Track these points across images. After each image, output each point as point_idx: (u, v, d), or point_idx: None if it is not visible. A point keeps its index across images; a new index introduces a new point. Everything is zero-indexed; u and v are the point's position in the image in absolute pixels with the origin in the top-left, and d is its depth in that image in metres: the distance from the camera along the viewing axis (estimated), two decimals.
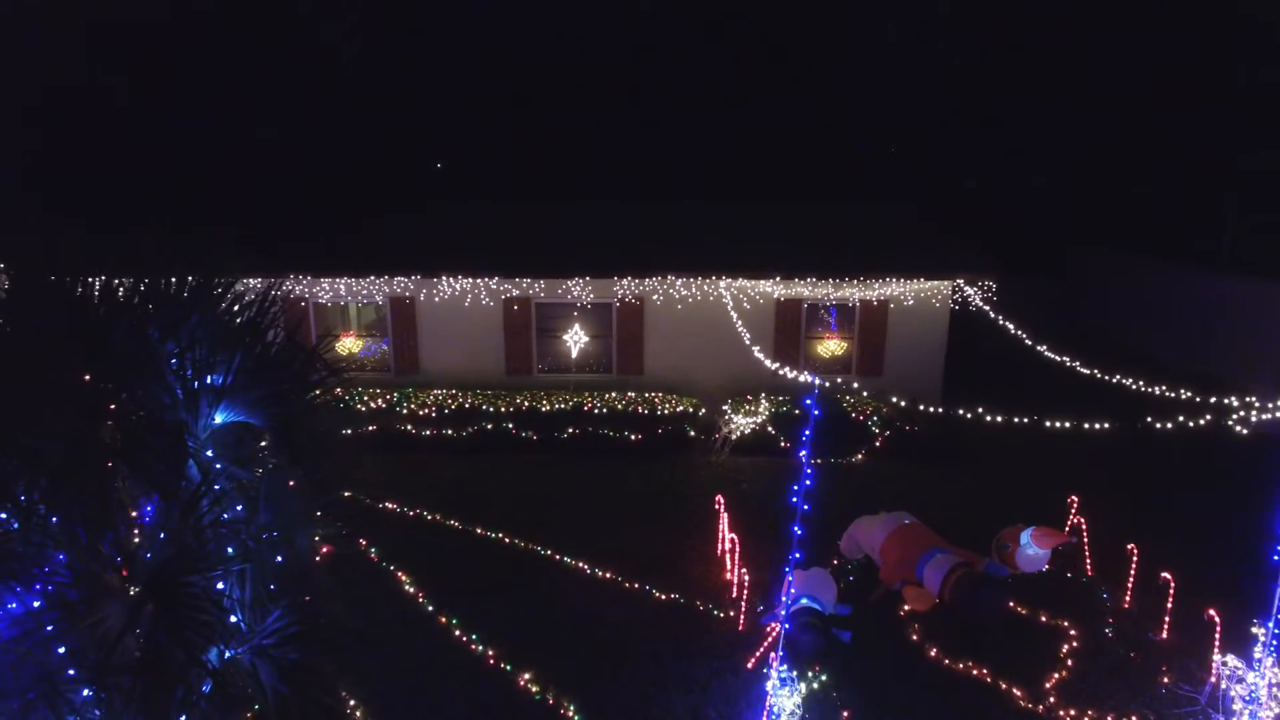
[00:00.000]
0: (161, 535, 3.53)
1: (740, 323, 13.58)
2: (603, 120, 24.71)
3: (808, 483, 5.29)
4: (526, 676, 7.09)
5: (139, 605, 3.27)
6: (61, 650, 3.23)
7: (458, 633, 7.74)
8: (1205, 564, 9.05)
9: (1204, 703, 6.78)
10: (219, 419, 3.82)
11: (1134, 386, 10.67)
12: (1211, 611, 7.14)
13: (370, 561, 8.82)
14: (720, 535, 9.36)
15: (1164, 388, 10.12)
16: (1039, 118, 25.38)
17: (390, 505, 10.60)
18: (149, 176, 19.33)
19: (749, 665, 7.30)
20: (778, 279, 14.31)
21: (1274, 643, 6.04)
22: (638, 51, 25.47)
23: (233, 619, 3.70)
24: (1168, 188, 23.78)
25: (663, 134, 24.50)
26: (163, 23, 21.62)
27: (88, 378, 3.35)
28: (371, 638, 6.60)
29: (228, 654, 3.64)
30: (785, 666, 6.29)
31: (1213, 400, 9.54)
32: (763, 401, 13.27)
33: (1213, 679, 6.83)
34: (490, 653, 7.43)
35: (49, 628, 3.24)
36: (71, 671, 3.23)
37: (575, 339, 14.76)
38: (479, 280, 14.37)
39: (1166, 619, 7.92)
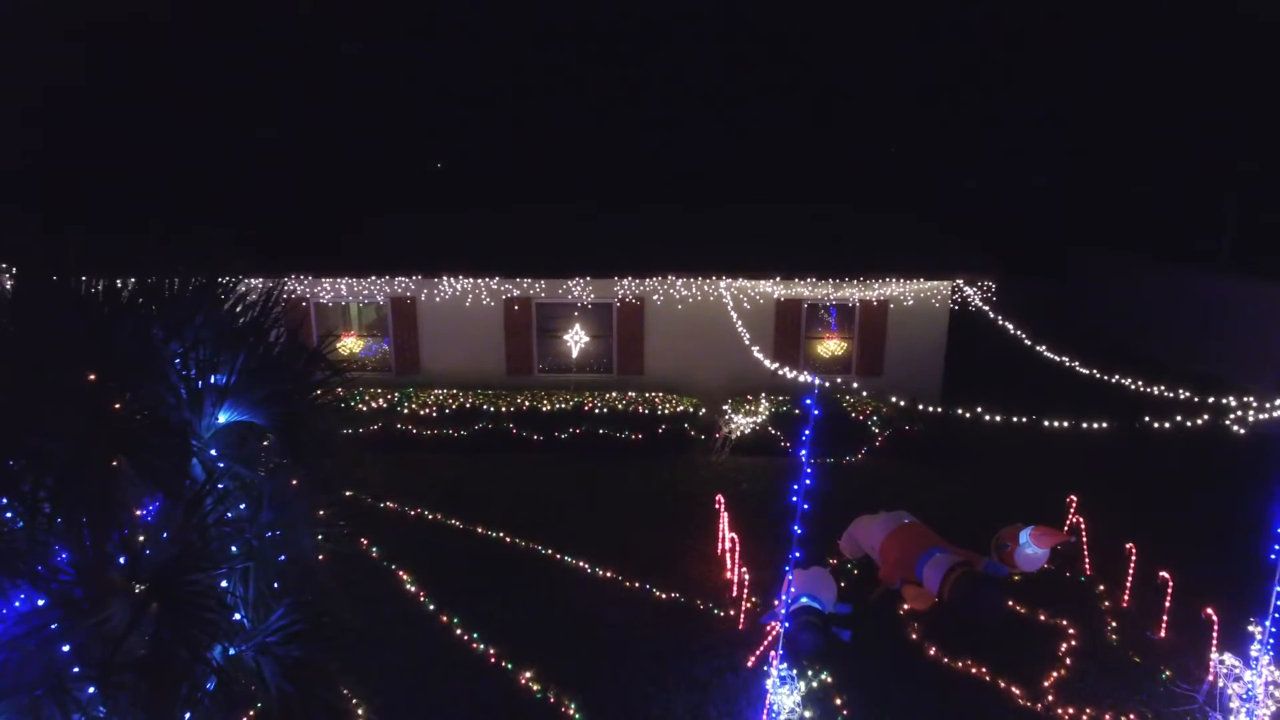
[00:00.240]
0: (165, 534, 3.56)
1: (740, 323, 13.60)
2: (603, 120, 24.74)
3: (808, 482, 5.32)
4: (527, 675, 7.12)
5: (144, 603, 3.30)
6: (66, 648, 3.25)
7: (459, 632, 7.77)
8: (1203, 563, 9.07)
9: (1201, 701, 6.80)
10: (223, 418, 3.85)
11: (1133, 386, 10.69)
12: (1209, 610, 7.17)
13: (372, 561, 8.85)
14: (720, 535, 9.38)
15: (1162, 388, 10.15)
16: (1039, 118, 25.41)
17: (391, 505, 10.63)
18: (149, 177, 19.34)
19: (749, 664, 7.33)
20: (778, 279, 14.34)
21: (1271, 641, 6.06)
22: (638, 51, 25.49)
23: (236, 617, 3.73)
24: (1168, 188, 23.80)
25: (663, 134, 24.53)
26: (163, 23, 21.66)
27: (92, 377, 3.38)
28: (373, 636, 6.63)
29: (232, 652, 3.66)
30: (785, 665, 6.32)
31: (1211, 400, 9.57)
32: (763, 401, 13.29)
33: (1210, 677, 6.86)
34: (491, 651, 7.46)
35: (53, 626, 3.26)
36: (76, 669, 3.26)
37: (576, 339, 14.78)
38: (480, 280, 14.40)
39: (1165, 618, 7.96)
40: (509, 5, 25.07)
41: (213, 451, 3.78)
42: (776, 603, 7.14)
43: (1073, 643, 7.83)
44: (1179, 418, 9.61)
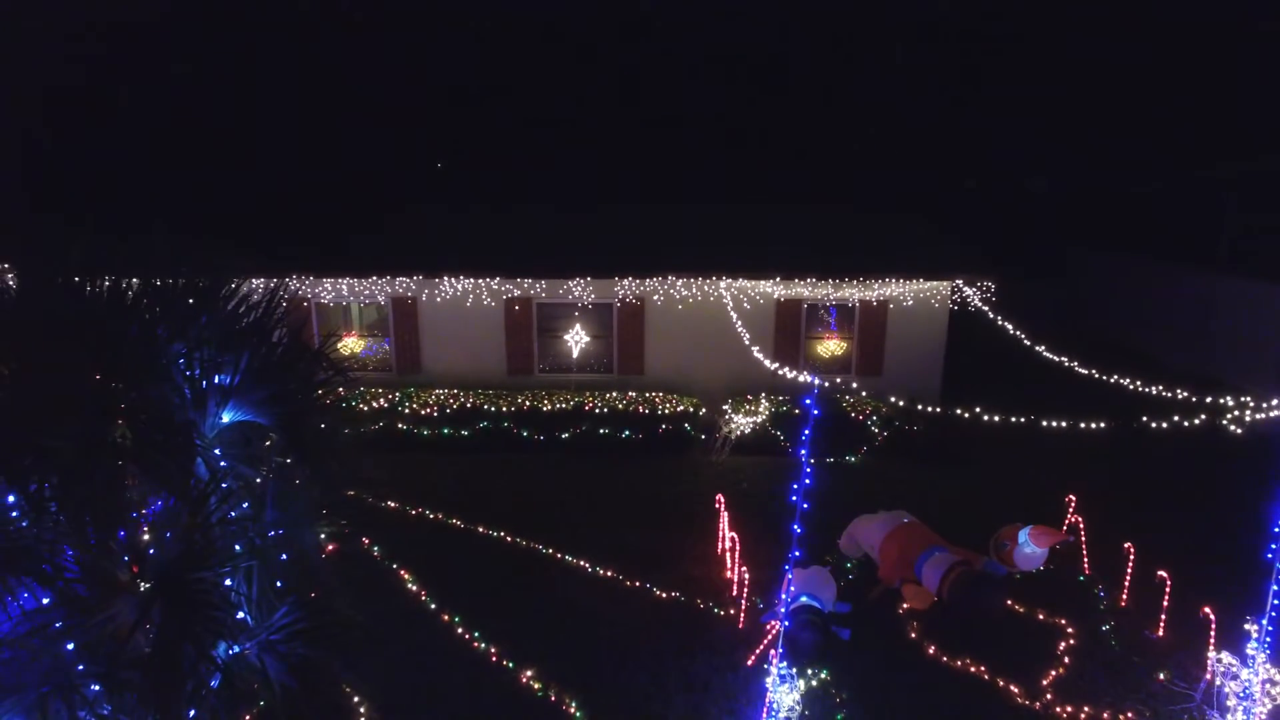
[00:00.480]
0: (170, 533, 3.59)
1: (740, 323, 13.64)
2: (603, 120, 24.76)
3: (807, 482, 5.34)
4: (528, 674, 7.15)
5: (149, 601, 3.33)
6: (71, 646, 3.29)
7: (460, 630, 7.80)
8: (1202, 562, 9.10)
9: (1199, 699, 6.84)
10: (227, 418, 3.89)
11: (1131, 386, 10.73)
12: (1207, 609, 7.20)
13: (373, 560, 8.89)
14: (720, 534, 9.41)
15: (1160, 388, 10.18)
16: (1039, 118, 25.42)
17: (392, 504, 10.67)
18: (149, 177, 19.37)
19: (749, 662, 7.36)
20: (778, 279, 14.37)
21: (1267, 639, 6.09)
22: (637, 50, 25.52)
23: (240, 615, 3.77)
24: (1168, 188, 23.81)
25: (662, 134, 24.54)
26: (163, 23, 21.68)
27: (98, 378, 3.42)
28: (375, 635, 6.66)
29: (236, 649, 3.70)
30: (785, 664, 6.35)
31: (1208, 400, 9.61)
32: (763, 401, 13.33)
33: (1208, 676, 6.89)
34: (492, 650, 7.49)
35: (58, 624, 3.30)
36: (81, 667, 3.29)
37: (576, 339, 14.82)
38: (480, 280, 14.44)
39: (1163, 617, 7.99)
40: (510, 4, 25.10)
41: (216, 451, 3.82)
42: (776, 602, 7.18)
43: (1071, 641, 7.85)
44: (1176, 418, 9.65)
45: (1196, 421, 9.58)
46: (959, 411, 10.96)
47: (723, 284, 14.44)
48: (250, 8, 23.28)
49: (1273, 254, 18.47)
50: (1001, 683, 7.19)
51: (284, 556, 4.03)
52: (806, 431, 5.29)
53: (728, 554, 8.94)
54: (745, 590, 8.17)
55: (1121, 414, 9.89)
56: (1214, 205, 21.09)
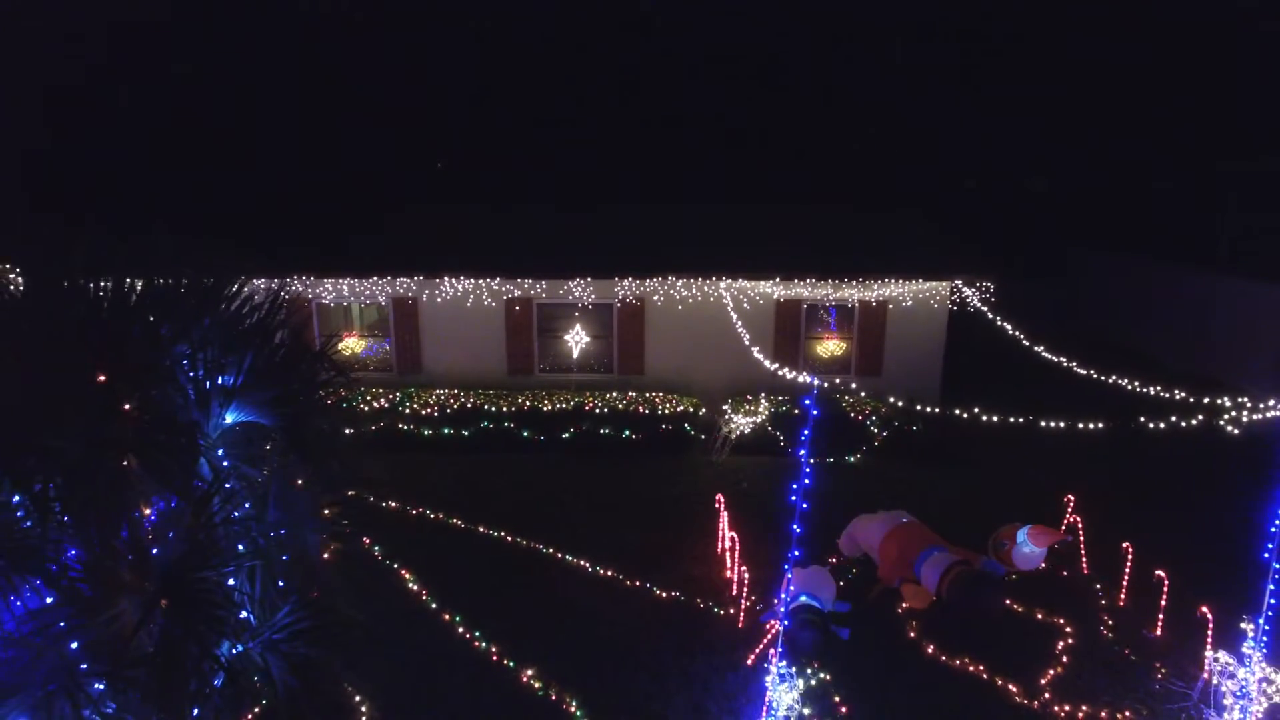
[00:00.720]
0: (173, 533, 3.62)
1: (740, 323, 13.66)
2: (603, 121, 24.78)
3: (807, 482, 5.37)
4: (529, 673, 7.18)
5: (153, 601, 3.36)
6: (75, 645, 3.31)
7: (460, 630, 7.83)
8: (1199, 562, 9.12)
9: (1196, 698, 6.86)
10: (229, 419, 3.91)
11: (1129, 387, 10.75)
12: (1204, 609, 7.22)
13: (374, 559, 8.92)
14: (720, 534, 9.44)
15: (1159, 388, 10.21)
16: (1039, 118, 25.43)
17: (393, 504, 10.69)
18: (149, 177, 19.39)
19: (749, 662, 7.38)
20: (777, 280, 14.39)
21: (1264, 639, 6.12)
22: (637, 51, 25.53)
23: (244, 614, 3.80)
24: (1167, 188, 23.84)
25: (662, 134, 24.56)
26: (163, 22, 21.70)
27: (102, 379, 3.44)
28: (376, 634, 6.69)
29: (239, 648, 3.73)
30: (784, 663, 6.38)
31: (1206, 400, 9.63)
32: (762, 401, 13.35)
33: (1205, 675, 6.92)
34: (493, 649, 7.52)
35: (63, 623, 3.32)
36: (85, 666, 3.32)
37: (576, 339, 14.84)
38: (481, 281, 14.46)
39: (1160, 616, 8.01)
40: (510, 4, 25.12)
41: (220, 451, 3.84)
42: (776, 601, 7.21)
43: (1069, 641, 7.88)
44: (1174, 418, 9.67)
45: (1194, 422, 9.61)
46: (958, 412, 10.98)
47: (723, 284, 14.47)
48: (250, 7, 23.30)
49: (1273, 254, 18.52)
50: (1000, 682, 7.22)
51: (286, 556, 4.05)
52: (806, 432, 5.31)
53: (727, 554, 8.97)
54: (745, 590, 8.19)
55: (1120, 414, 9.91)
56: (1214, 205, 21.12)
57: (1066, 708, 6.89)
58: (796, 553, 5.61)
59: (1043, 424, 9.93)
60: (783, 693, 6.28)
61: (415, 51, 24.73)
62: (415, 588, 8.56)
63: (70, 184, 18.17)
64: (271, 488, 4.07)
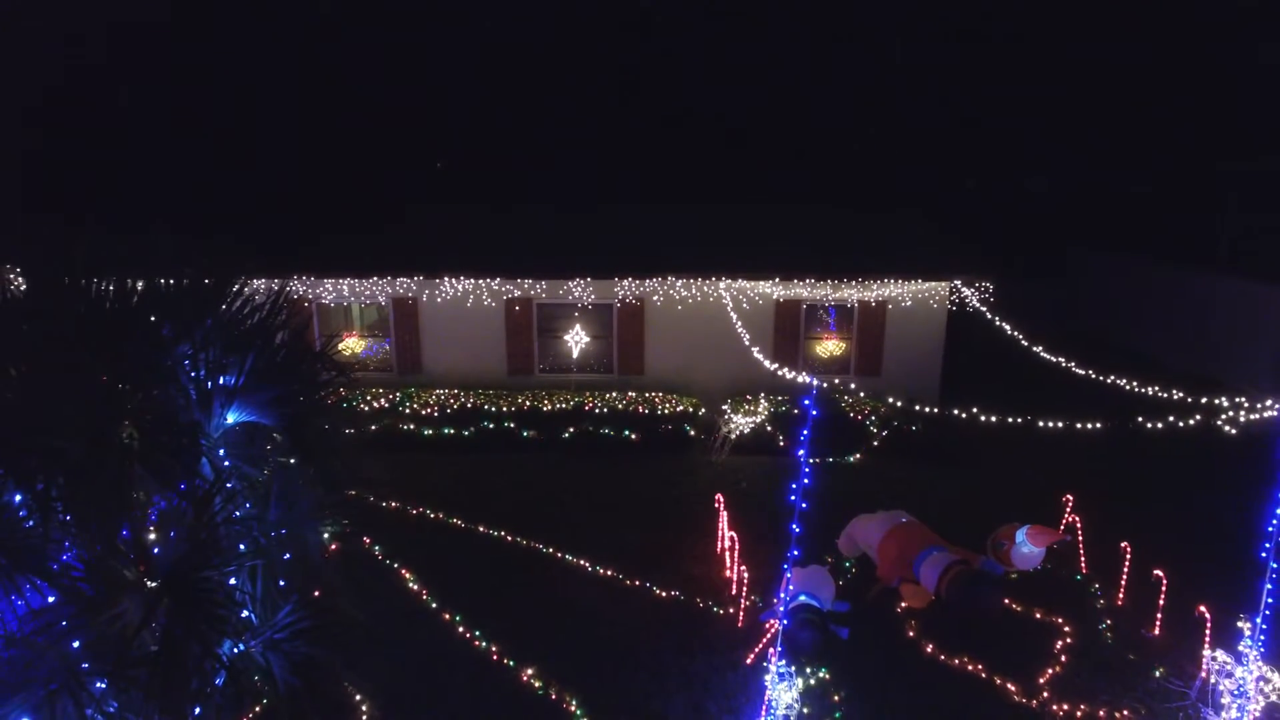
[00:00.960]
0: (175, 532, 3.63)
1: (740, 323, 13.68)
2: (603, 121, 24.78)
3: (806, 482, 5.38)
4: (529, 672, 7.20)
5: (155, 600, 3.37)
6: (77, 644, 3.33)
7: (461, 629, 7.85)
8: (1198, 561, 9.14)
9: (1194, 697, 6.88)
10: (231, 419, 3.93)
11: (1128, 387, 10.77)
12: (1202, 608, 7.24)
13: (375, 559, 8.93)
14: (720, 533, 9.46)
15: (1158, 388, 10.23)
16: (1039, 118, 25.44)
17: (393, 504, 10.71)
18: (149, 177, 19.40)
19: (748, 661, 7.40)
20: (777, 280, 14.41)
21: (1261, 638, 6.14)
22: (637, 51, 25.54)
23: (245, 613, 3.81)
24: (1168, 188, 23.84)
25: (662, 134, 24.56)
26: (163, 23, 21.71)
27: (105, 379, 3.45)
28: (377, 633, 6.70)
29: (240, 648, 3.74)
30: (784, 662, 6.39)
31: (1204, 400, 9.65)
32: (762, 401, 13.37)
33: (1203, 674, 6.94)
34: (493, 649, 7.54)
35: (65, 622, 3.33)
36: (85, 665, 3.33)
37: (576, 339, 14.86)
38: (481, 281, 14.48)
39: (1159, 615, 8.03)
40: (510, 4, 25.12)
41: (221, 451, 3.86)
42: (775, 600, 7.22)
43: (1068, 640, 7.90)
44: (1172, 418, 9.69)
45: (1192, 422, 9.63)
46: (957, 412, 11.01)
47: (722, 284, 14.48)
48: (250, 7, 23.31)
49: (1273, 254, 18.52)
50: (999, 681, 7.24)
51: (287, 555, 4.07)
52: (805, 432, 5.33)
53: (727, 553, 8.99)
54: (744, 589, 8.21)
55: (1119, 414, 9.93)
56: (1214, 205, 21.12)
57: (1065, 707, 6.90)
58: (796, 552, 5.63)
59: (1042, 424, 9.95)
60: (782, 692, 6.30)
61: (415, 51, 24.74)
62: (415, 587, 8.58)
63: (70, 184, 18.16)
64: (273, 487, 4.08)
